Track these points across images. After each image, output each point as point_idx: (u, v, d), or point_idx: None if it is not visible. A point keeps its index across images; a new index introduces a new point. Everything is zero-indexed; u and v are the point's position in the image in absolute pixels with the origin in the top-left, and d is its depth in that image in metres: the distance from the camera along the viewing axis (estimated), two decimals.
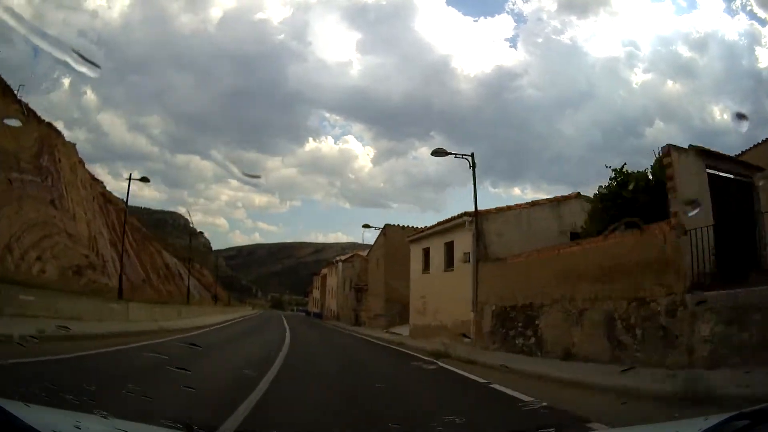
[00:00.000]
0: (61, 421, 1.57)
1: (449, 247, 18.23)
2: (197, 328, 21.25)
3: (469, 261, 16.55)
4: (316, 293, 67.94)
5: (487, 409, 5.84)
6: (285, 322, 35.02)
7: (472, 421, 4.62)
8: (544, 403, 5.27)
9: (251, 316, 47.97)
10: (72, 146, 50.70)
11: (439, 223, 18.83)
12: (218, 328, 23.27)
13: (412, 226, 27.99)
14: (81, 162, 49.41)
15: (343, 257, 42.23)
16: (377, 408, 5.48)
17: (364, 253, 37.09)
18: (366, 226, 27.03)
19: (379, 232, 30.07)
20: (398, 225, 27.99)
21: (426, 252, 20.48)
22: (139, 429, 2.07)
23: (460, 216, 17.01)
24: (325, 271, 59.26)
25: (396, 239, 27.20)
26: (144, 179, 24.73)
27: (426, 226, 20.46)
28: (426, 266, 20.43)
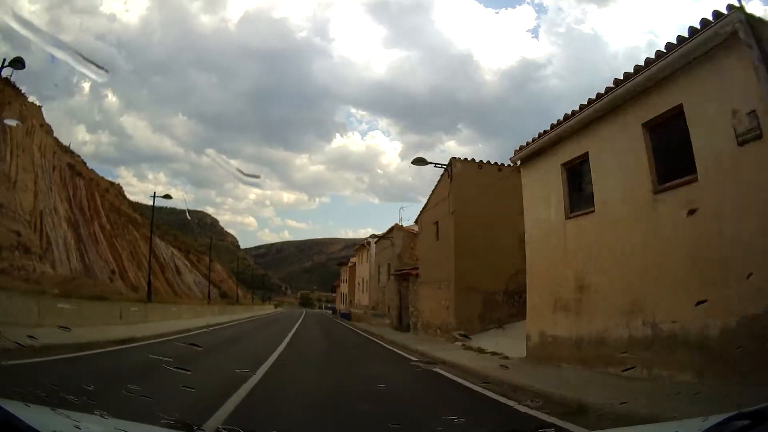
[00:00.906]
0: (61, 421, 1.54)
1: (675, 128, 6.57)
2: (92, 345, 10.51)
3: None
4: (343, 288, 56.77)
5: None
6: (295, 327, 24.11)
7: None
8: None
9: (259, 317, 37.15)
10: (36, 108, 41.79)
11: (641, 70, 7.01)
12: (151, 345, 12.65)
13: (491, 162, 16.37)
14: (45, 127, 40.45)
15: (377, 234, 30.14)
16: None
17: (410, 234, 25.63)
18: (419, 160, 15.44)
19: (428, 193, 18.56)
20: (471, 159, 16.30)
21: (572, 170, 8.86)
22: (139, 429, 2.04)
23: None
24: (354, 259, 48.07)
25: (470, 182, 15.59)
26: None
27: (572, 113, 8.67)
28: (577, 201, 8.78)
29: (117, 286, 30.06)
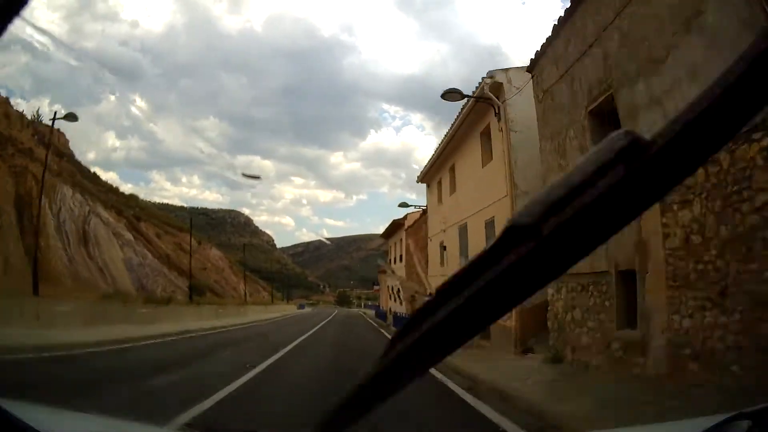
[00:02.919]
0: (61, 421, 1.49)
1: None
2: None
3: None
4: (398, 270, 33.73)
5: None
6: None
7: None
8: None
9: (226, 329, 14.79)
10: None
11: None
12: None
13: None
14: None
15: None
16: None
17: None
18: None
19: None
20: None
21: None
22: (138, 429, 1.96)
23: None
24: (414, 213, 25.06)
25: None
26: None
27: None
28: None
29: None
